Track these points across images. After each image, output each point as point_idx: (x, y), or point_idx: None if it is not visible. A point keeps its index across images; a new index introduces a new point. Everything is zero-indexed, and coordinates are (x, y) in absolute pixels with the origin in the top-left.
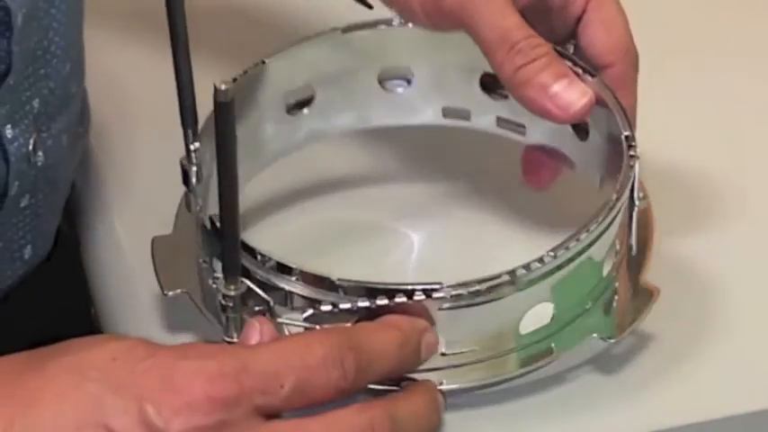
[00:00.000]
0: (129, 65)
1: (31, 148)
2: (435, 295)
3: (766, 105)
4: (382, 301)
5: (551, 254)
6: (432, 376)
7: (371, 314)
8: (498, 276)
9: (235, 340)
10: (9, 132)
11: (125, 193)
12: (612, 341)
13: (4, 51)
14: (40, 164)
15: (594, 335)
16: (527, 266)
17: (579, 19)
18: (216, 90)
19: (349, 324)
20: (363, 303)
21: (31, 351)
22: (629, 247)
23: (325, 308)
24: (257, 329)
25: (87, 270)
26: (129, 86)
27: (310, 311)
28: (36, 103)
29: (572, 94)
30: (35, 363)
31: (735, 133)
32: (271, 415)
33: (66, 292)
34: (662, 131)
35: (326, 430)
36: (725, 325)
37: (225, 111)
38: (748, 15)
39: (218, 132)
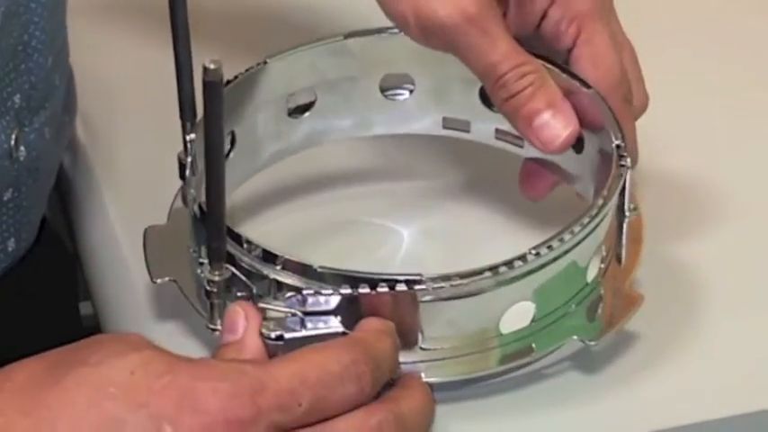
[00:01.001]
0: (118, 52)
1: (12, 143)
2: (417, 287)
3: (757, 111)
4: (364, 290)
5: (534, 252)
6: (411, 369)
7: (353, 303)
8: (480, 271)
9: (218, 328)
10: None
11: (117, 181)
12: (593, 343)
13: None
14: (22, 159)
15: (575, 337)
16: (509, 263)
17: (570, 50)
18: (205, 69)
19: (339, 318)
20: (345, 291)
21: (49, 356)
22: (618, 257)
23: (308, 292)
24: (242, 315)
25: (80, 259)
26: (118, 74)
27: (292, 295)
28: (17, 98)
29: (554, 127)
30: (53, 373)
31: (723, 138)
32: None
33: (51, 281)
34: (650, 136)
35: None
36: (708, 326)
37: (213, 90)
38: (747, 19)
39: (206, 112)
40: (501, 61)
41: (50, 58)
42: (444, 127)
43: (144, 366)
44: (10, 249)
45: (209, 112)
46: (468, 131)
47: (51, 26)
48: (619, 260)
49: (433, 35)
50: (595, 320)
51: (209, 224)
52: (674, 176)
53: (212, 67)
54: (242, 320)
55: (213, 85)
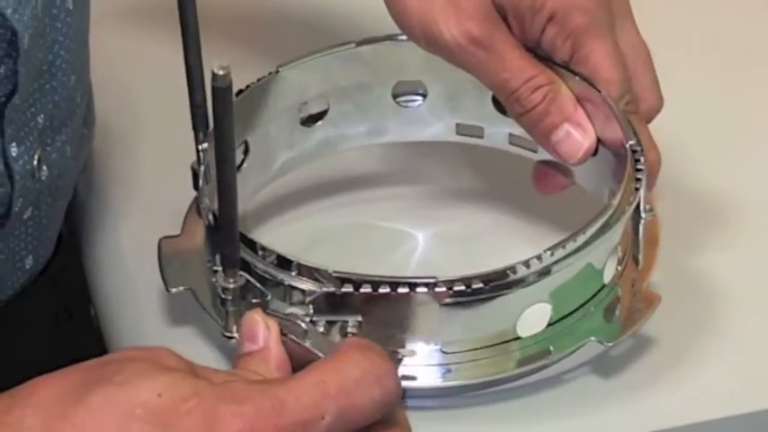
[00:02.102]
0: (133, 65)
1: (35, 163)
2: (437, 289)
3: None
4: (384, 290)
5: (548, 252)
6: (432, 372)
7: (369, 303)
8: (498, 272)
9: (234, 335)
10: (14, 151)
11: (128, 194)
12: (610, 344)
13: (10, 72)
14: (44, 178)
15: (592, 338)
16: (526, 263)
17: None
18: (214, 75)
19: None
20: (366, 290)
21: (76, 371)
22: (635, 259)
23: (327, 290)
24: (261, 324)
25: (88, 272)
26: (132, 87)
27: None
28: (41, 118)
29: (573, 141)
30: (79, 390)
31: (746, 145)
32: None
33: (66, 294)
34: (668, 141)
35: None
36: (723, 329)
37: (223, 95)
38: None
39: (215, 118)
40: (512, 77)
41: (73, 77)
42: (458, 133)
43: (171, 389)
44: (28, 266)
45: (219, 117)
46: (481, 137)
47: (76, 45)
48: (636, 262)
49: (440, 54)
50: (613, 322)
51: (222, 230)
52: (691, 183)
53: (221, 72)
54: (262, 328)
55: (222, 91)
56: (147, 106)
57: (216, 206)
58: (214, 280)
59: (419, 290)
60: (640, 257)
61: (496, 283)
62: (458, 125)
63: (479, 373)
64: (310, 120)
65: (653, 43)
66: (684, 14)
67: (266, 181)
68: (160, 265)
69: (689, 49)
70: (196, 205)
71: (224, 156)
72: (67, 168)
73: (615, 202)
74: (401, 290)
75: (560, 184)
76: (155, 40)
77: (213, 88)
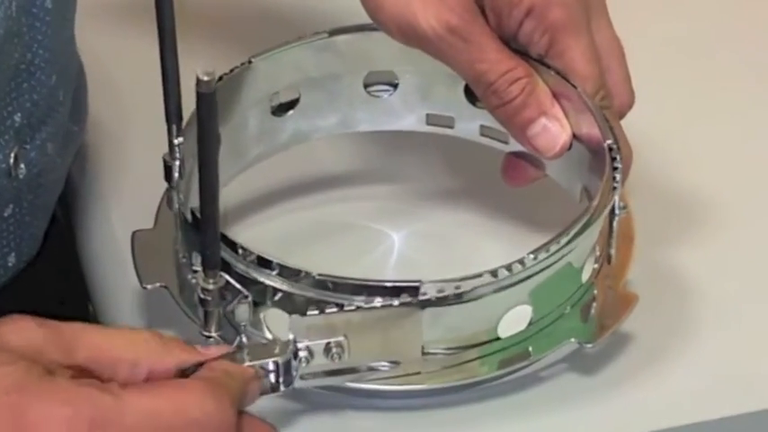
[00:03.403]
0: (125, 58)
1: (11, 161)
2: (421, 297)
3: (753, 118)
4: (369, 303)
5: (532, 256)
6: (412, 377)
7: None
8: (479, 276)
9: (213, 335)
10: None
11: (121, 185)
12: (590, 346)
13: None
14: (22, 176)
15: (572, 339)
16: (508, 267)
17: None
18: (198, 80)
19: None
20: (358, 303)
21: None
22: (609, 256)
23: (349, 307)
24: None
25: (82, 261)
26: (124, 79)
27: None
28: (18, 117)
29: (549, 135)
30: None
31: (718, 142)
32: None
33: (61, 282)
34: (644, 138)
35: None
36: (702, 328)
37: (207, 101)
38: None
39: (200, 123)
40: (489, 69)
41: (54, 76)
42: (428, 123)
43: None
44: (10, 264)
45: (203, 122)
46: (452, 128)
47: (56, 44)
48: (609, 260)
49: (416, 45)
50: (589, 321)
51: (205, 232)
52: (667, 182)
53: (205, 78)
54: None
55: (206, 97)
56: (141, 99)
57: (192, 203)
58: (194, 281)
59: (405, 297)
60: (612, 253)
61: (479, 289)
62: (428, 115)
63: (459, 377)
64: (281, 109)
65: (627, 40)
66: (660, 13)
67: (238, 171)
68: (134, 261)
69: (664, 46)
70: (168, 198)
71: (208, 161)
72: (50, 166)
73: (595, 203)
74: (384, 301)
75: (530, 176)
76: (142, 35)
77: (198, 93)
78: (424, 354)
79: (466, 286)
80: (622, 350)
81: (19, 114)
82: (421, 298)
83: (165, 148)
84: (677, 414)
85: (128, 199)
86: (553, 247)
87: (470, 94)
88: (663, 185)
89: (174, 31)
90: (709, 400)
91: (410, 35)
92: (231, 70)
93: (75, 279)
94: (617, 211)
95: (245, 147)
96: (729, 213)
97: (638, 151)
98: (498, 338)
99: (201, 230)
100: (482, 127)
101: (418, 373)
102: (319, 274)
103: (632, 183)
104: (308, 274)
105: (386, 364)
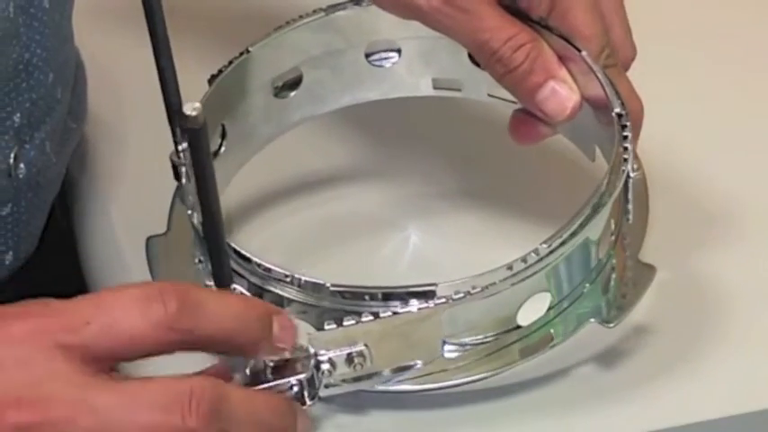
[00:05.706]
0: (125, 56)
1: (11, 161)
2: (437, 301)
3: None
4: (385, 314)
5: (545, 245)
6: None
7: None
8: (495, 271)
9: None
10: None
11: (121, 184)
12: (611, 325)
13: None
14: (21, 176)
15: (593, 320)
16: (524, 259)
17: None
18: (186, 116)
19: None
20: (369, 317)
21: None
22: (627, 219)
23: (367, 318)
24: None
25: (81, 260)
26: (125, 77)
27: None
28: (17, 117)
29: (558, 99)
30: None
31: (743, 140)
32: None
33: (59, 281)
34: (672, 140)
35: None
36: (727, 326)
37: (198, 136)
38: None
39: (194, 158)
40: (492, 37)
41: (52, 74)
42: (435, 87)
43: None
44: (7, 262)
45: (198, 157)
46: (460, 90)
47: (54, 43)
48: (627, 221)
49: (414, 18)
50: (609, 299)
51: (213, 257)
52: (695, 181)
53: (193, 114)
54: None
55: (197, 132)
56: (140, 95)
57: (198, 216)
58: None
59: (422, 303)
60: (630, 216)
61: (497, 284)
62: (434, 80)
63: (483, 369)
64: (285, 88)
65: (650, 40)
66: (678, 10)
67: (247, 157)
68: (150, 269)
69: (688, 47)
70: (180, 194)
71: (207, 190)
72: (48, 164)
73: (605, 181)
74: (402, 307)
75: (540, 134)
76: (142, 33)
77: (188, 130)
78: (445, 352)
79: (482, 283)
80: (645, 350)
81: (18, 114)
82: (437, 302)
83: (166, 147)
84: (698, 412)
85: (127, 198)
86: (566, 234)
87: (474, 58)
88: (692, 186)
89: (166, 33)
90: (732, 398)
91: (406, 10)
92: (230, 62)
93: (74, 278)
94: (631, 174)
95: (252, 133)
96: (760, 215)
97: (667, 154)
98: (519, 327)
99: (211, 255)
100: (489, 87)
101: (444, 370)
102: (333, 285)
103: (662, 184)
104: (322, 285)
105: (409, 364)
